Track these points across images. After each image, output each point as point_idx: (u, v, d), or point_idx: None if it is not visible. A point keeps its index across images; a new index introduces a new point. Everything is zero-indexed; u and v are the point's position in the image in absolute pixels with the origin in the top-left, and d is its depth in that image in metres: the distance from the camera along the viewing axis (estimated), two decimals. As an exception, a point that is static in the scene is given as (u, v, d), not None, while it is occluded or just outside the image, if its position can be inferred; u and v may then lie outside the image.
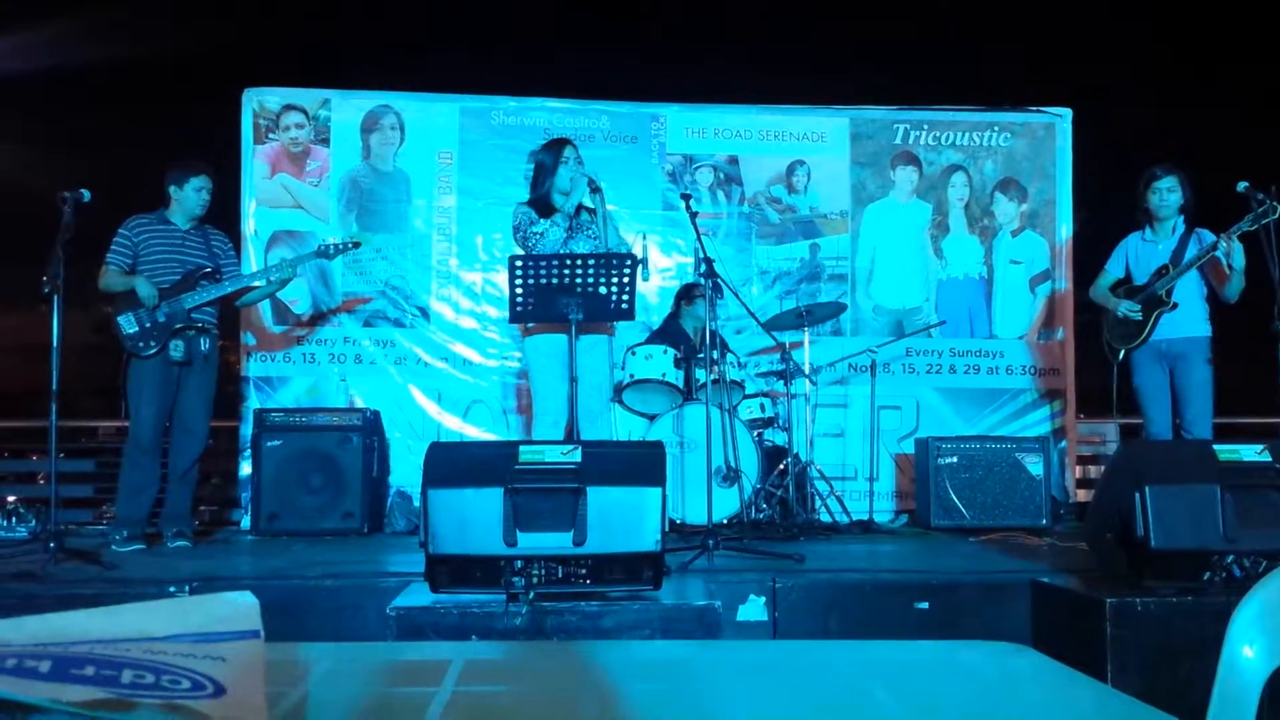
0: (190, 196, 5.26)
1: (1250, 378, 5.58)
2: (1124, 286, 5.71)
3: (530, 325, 5.07)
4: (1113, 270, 5.80)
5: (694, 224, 4.88)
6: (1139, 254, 5.69)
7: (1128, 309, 5.54)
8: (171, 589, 3.75)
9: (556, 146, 5.13)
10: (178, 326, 5.09)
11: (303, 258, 5.69)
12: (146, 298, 5.02)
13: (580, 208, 5.04)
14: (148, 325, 5.05)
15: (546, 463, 3.21)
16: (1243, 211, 5.16)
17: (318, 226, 6.75)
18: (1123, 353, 5.60)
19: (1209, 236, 5.46)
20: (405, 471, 6.41)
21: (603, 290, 4.51)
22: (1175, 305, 5.44)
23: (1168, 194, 5.52)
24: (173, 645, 0.86)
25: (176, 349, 5.10)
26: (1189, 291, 5.48)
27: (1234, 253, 5.20)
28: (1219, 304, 5.52)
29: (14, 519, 5.61)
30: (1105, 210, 7.58)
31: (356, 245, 5.90)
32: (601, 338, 5.10)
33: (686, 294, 6.50)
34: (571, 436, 4.67)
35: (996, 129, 7.22)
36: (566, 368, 4.93)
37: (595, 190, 4.91)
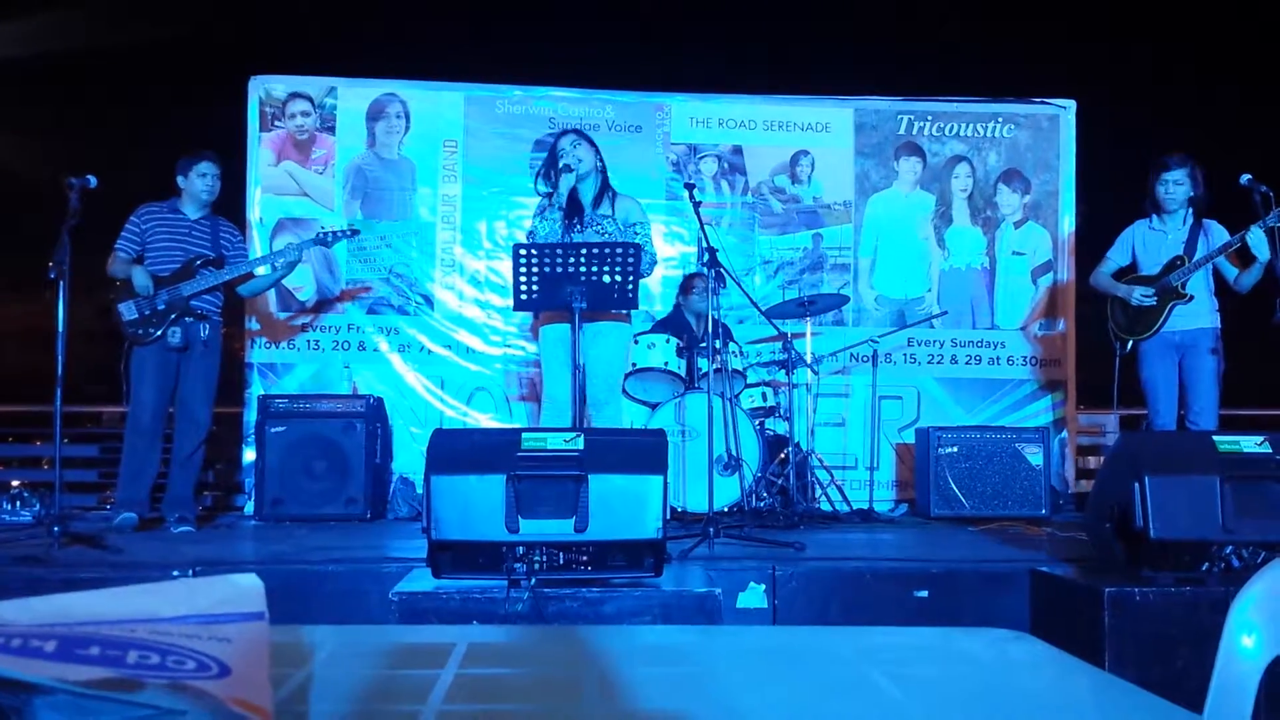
0: (196, 182, 5.27)
1: (1250, 369, 5.57)
2: (1130, 275, 5.65)
3: (541, 315, 5.11)
4: (1116, 258, 5.75)
5: (698, 213, 4.88)
6: (1146, 242, 5.63)
7: (1142, 295, 5.47)
8: (175, 573, 3.76)
9: (555, 139, 5.16)
10: (176, 314, 5.10)
11: (301, 245, 5.69)
12: (140, 288, 5.05)
13: (598, 201, 5.03)
14: (147, 312, 5.07)
15: (549, 450, 3.22)
16: (1244, 204, 5.13)
17: (323, 214, 6.76)
18: (1131, 343, 5.56)
19: (1219, 229, 5.42)
20: (408, 458, 6.44)
21: (606, 279, 4.52)
22: (1191, 298, 5.39)
23: (1174, 186, 5.46)
24: (178, 626, 0.87)
25: (174, 335, 5.11)
26: (1200, 283, 5.43)
27: (1260, 244, 5.10)
28: (1223, 295, 5.49)
29: (18, 503, 5.63)
30: (1108, 202, 7.57)
31: (355, 233, 5.95)
32: (613, 325, 5.07)
33: (685, 286, 6.52)
34: (576, 424, 4.68)
35: (1000, 120, 7.21)
36: (570, 356, 4.97)
37: (568, 170, 4.94)
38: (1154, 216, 5.62)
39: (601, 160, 5.13)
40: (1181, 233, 5.51)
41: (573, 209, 5.00)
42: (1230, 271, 5.43)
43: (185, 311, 5.14)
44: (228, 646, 0.86)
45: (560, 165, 4.94)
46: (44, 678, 0.75)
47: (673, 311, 6.58)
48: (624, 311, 5.09)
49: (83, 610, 0.86)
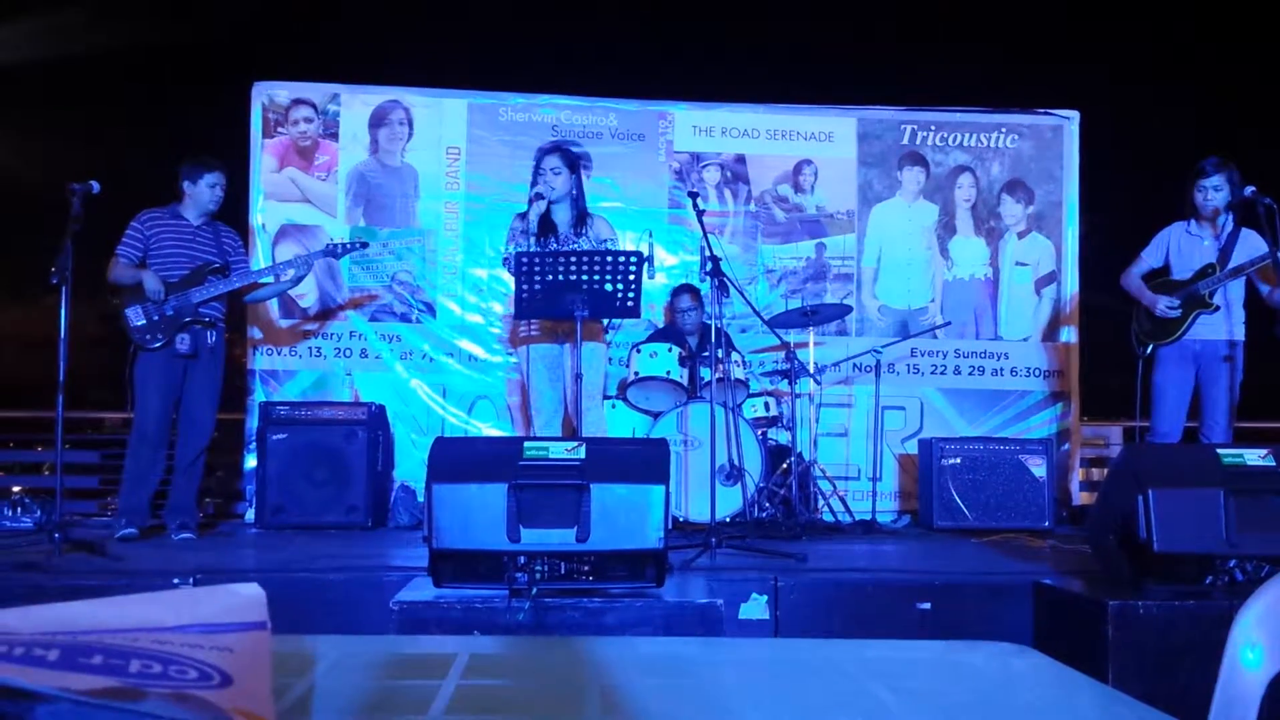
0: (204, 193, 5.27)
1: (1255, 382, 5.54)
2: (1161, 279, 5.57)
3: (522, 334, 5.27)
4: (1149, 259, 5.64)
5: (701, 222, 4.89)
6: (1181, 246, 5.53)
7: (1167, 307, 5.40)
8: (176, 581, 3.76)
9: (540, 155, 5.23)
10: (185, 320, 5.11)
11: (310, 257, 5.71)
12: (153, 292, 5.04)
13: (578, 225, 5.12)
14: (155, 318, 5.07)
15: (551, 459, 3.21)
16: (1248, 214, 5.12)
17: (325, 221, 6.77)
18: (1151, 347, 5.52)
19: (1256, 239, 5.31)
20: (409, 466, 6.43)
21: (608, 287, 4.53)
22: (1217, 308, 5.32)
23: (1213, 193, 5.34)
24: (180, 636, 0.86)
25: (183, 342, 5.11)
26: (1229, 294, 5.37)
27: None
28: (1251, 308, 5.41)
29: (19, 510, 5.63)
30: (1112, 213, 7.56)
31: (364, 245, 5.97)
32: (590, 345, 5.16)
33: (671, 305, 6.52)
34: (572, 434, 4.71)
35: (1004, 130, 7.21)
36: (553, 372, 5.20)
37: (535, 199, 5.01)
38: (1191, 220, 5.52)
39: (579, 187, 5.24)
40: (1218, 240, 5.42)
41: (546, 229, 5.12)
42: (1263, 287, 5.35)
43: (193, 318, 5.14)
44: (230, 656, 0.86)
45: (533, 193, 5.00)
46: (46, 686, 0.75)
47: (666, 323, 6.60)
48: (603, 331, 5.32)
49: (85, 619, 0.86)
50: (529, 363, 5.25)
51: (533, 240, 4.98)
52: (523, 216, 5.12)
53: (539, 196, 4.99)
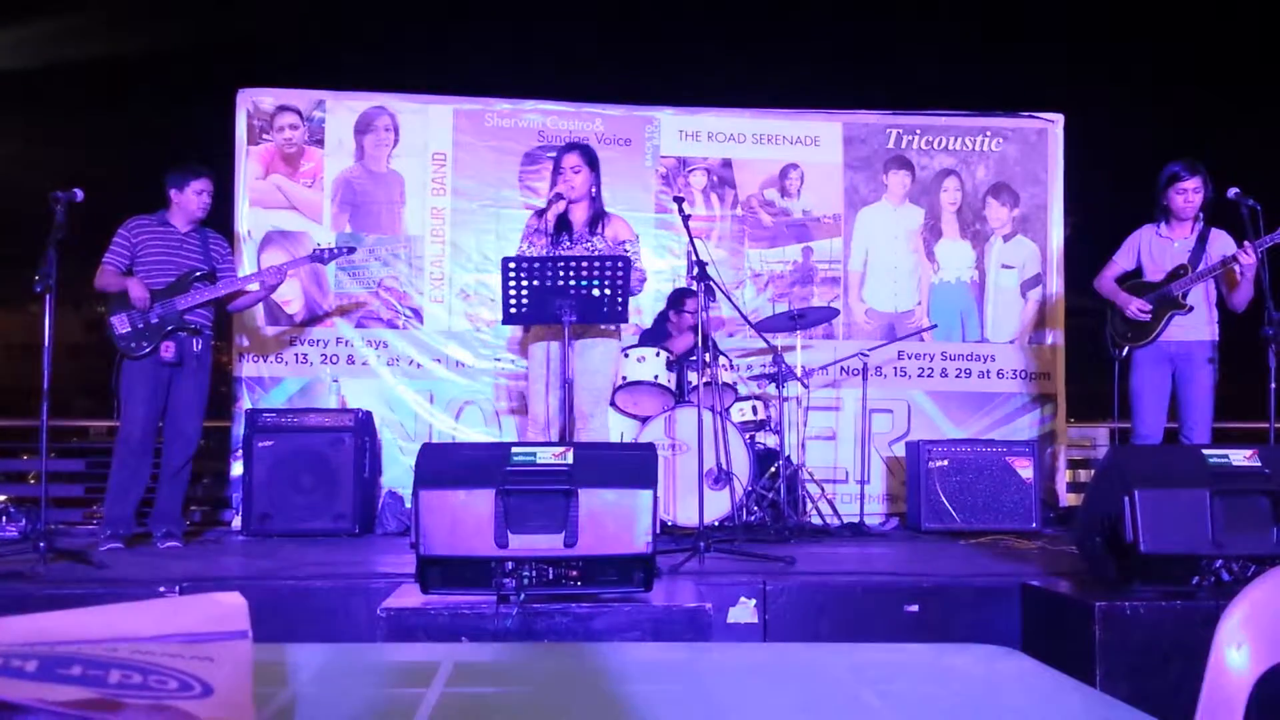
0: (191, 199, 5.26)
1: (1240, 383, 5.57)
2: (1132, 282, 5.60)
3: (530, 333, 5.19)
4: (1121, 262, 5.67)
5: (687, 227, 4.89)
6: (1153, 249, 5.55)
7: (1138, 309, 5.43)
8: (161, 589, 3.74)
9: (560, 153, 5.18)
10: (170, 328, 5.09)
11: (297, 262, 5.70)
12: (138, 300, 5.02)
13: (593, 225, 5.07)
14: (140, 326, 5.05)
15: (538, 464, 3.21)
16: (1232, 216, 5.14)
17: (311, 228, 6.74)
18: (1126, 350, 5.54)
19: (1227, 240, 5.35)
20: (397, 473, 6.41)
21: (596, 292, 4.52)
22: (1190, 309, 5.36)
23: (1193, 194, 5.36)
24: (160, 645, 0.86)
25: (168, 350, 5.09)
26: (1201, 295, 5.39)
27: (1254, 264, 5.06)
28: (1223, 309, 5.45)
29: (4, 518, 5.59)
30: (1096, 215, 7.59)
31: (351, 250, 5.93)
32: (602, 340, 5.10)
33: (679, 306, 6.48)
34: (562, 439, 4.69)
35: (989, 134, 7.23)
36: (555, 373, 5.03)
37: (555, 200, 4.97)
38: (1162, 222, 5.54)
39: (597, 185, 5.15)
40: (1188, 241, 5.44)
41: (560, 227, 5.05)
42: (1226, 291, 5.39)
43: (179, 326, 5.12)
44: (211, 665, 0.85)
45: (553, 193, 4.95)
46: (25, 698, 0.74)
47: (658, 325, 6.58)
48: (613, 327, 5.12)
49: (65, 629, 0.85)
50: (536, 365, 5.15)
51: (548, 240, 4.95)
52: (539, 214, 5.07)
53: (559, 196, 4.95)
